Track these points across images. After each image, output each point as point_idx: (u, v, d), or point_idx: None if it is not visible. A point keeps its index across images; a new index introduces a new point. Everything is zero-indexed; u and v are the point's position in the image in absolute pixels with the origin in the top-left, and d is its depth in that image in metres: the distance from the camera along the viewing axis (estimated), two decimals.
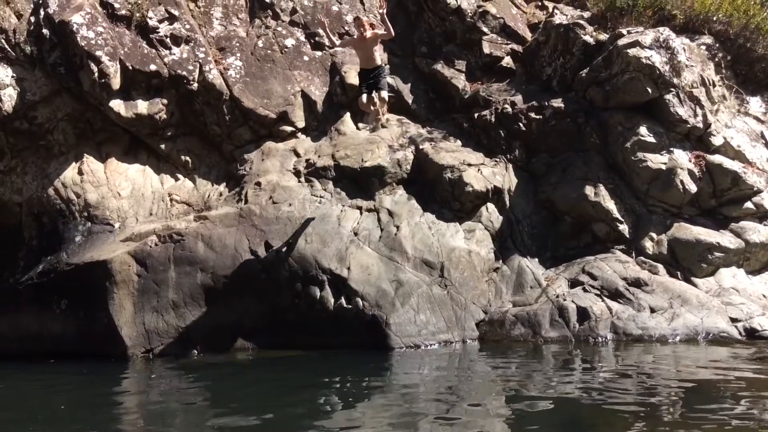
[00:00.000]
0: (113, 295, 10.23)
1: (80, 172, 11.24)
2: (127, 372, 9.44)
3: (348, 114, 12.10)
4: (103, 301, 10.20)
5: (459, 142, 11.68)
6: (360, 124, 12.13)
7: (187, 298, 10.30)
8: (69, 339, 10.46)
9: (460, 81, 12.13)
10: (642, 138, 10.66)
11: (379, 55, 10.13)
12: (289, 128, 11.91)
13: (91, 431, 6.32)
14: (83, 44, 10.79)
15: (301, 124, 12.00)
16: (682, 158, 10.64)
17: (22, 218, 11.40)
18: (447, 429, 5.76)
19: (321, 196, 11.12)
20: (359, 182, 11.28)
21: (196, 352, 10.16)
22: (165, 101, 11.35)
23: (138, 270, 10.33)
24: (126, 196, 11.30)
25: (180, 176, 11.74)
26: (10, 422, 6.92)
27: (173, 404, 7.42)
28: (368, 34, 9.79)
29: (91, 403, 7.74)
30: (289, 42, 12.34)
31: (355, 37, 10.24)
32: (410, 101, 12.27)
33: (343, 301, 9.93)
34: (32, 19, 11.31)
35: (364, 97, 9.99)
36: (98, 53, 10.80)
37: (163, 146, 11.62)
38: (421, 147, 11.48)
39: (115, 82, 10.91)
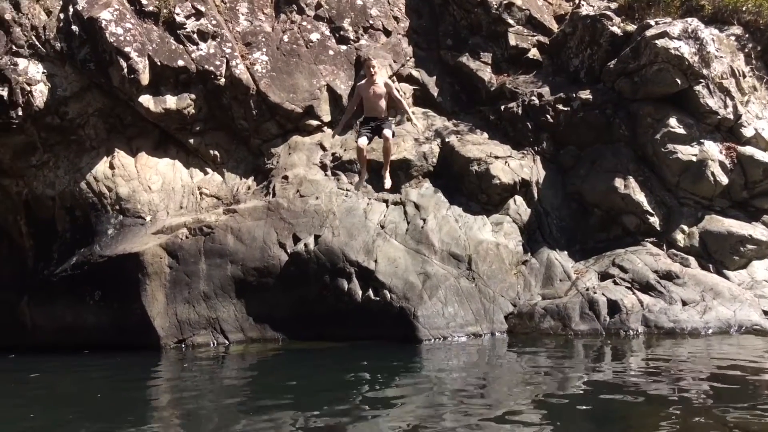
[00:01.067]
0: (146, 287, 10.39)
1: (111, 167, 11.39)
2: (160, 362, 9.58)
3: None
4: (136, 292, 10.37)
5: (486, 135, 11.65)
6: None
7: (217, 290, 10.43)
8: (103, 330, 10.64)
9: (486, 73, 12.09)
10: (672, 129, 10.57)
11: (385, 107, 8.93)
12: (315, 122, 11.96)
13: (127, 420, 6.41)
14: (112, 40, 10.91)
15: (326, 118, 12.04)
16: (713, 150, 10.54)
17: (55, 212, 11.58)
18: (477, 421, 5.77)
19: (347, 190, 11.17)
20: None
21: (227, 342, 10.29)
22: (193, 96, 11.45)
23: (169, 262, 10.48)
24: (156, 189, 11.44)
25: (209, 170, 11.85)
26: (48, 411, 7.05)
27: (206, 393, 7.52)
28: (378, 79, 8.81)
29: (126, 392, 7.86)
30: (314, 36, 12.38)
31: (364, 81, 9.15)
32: (436, 94, 12.25)
33: (370, 293, 9.98)
34: (61, 15, 11.45)
35: (364, 139, 8.82)
36: (127, 49, 10.92)
37: (191, 141, 11.73)
38: (447, 140, 11.48)
39: (144, 78, 11.01)
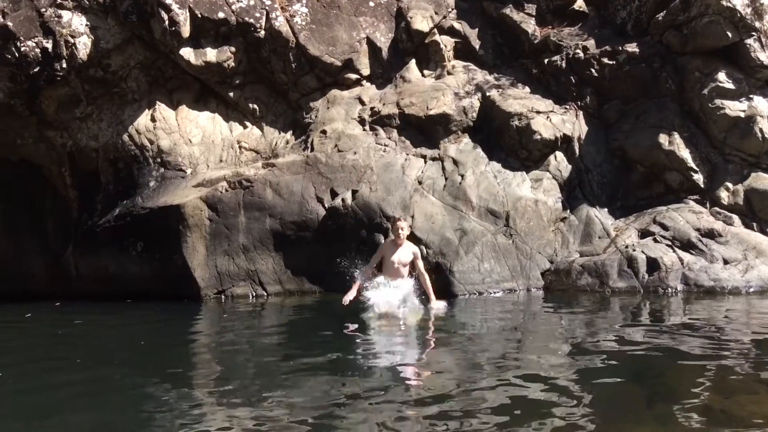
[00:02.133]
0: (186, 239, 10.59)
1: (153, 119, 11.53)
2: (200, 312, 9.82)
3: (413, 61, 11.99)
4: (177, 243, 10.58)
5: (527, 89, 11.44)
6: (426, 72, 12.02)
7: (256, 243, 10.58)
8: (145, 280, 10.91)
9: (530, 25, 11.80)
10: (720, 84, 10.26)
11: (406, 276, 8.36)
12: (354, 76, 11.88)
13: (170, 366, 6.61)
14: None
15: (366, 71, 11.95)
16: (763, 106, 10.21)
17: (98, 164, 11.79)
18: (509, 373, 5.79)
19: (385, 145, 11.14)
20: (424, 130, 11.22)
21: (265, 294, 10.48)
22: (233, 49, 11.44)
23: (210, 215, 10.64)
24: (197, 142, 11.57)
25: (248, 124, 11.93)
26: (93, 356, 7.31)
27: (244, 343, 7.69)
28: (405, 244, 8.29)
29: (168, 340, 8.10)
30: None
31: (389, 241, 8.62)
32: (477, 47, 12.01)
33: None
34: None
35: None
36: (168, 1, 10.90)
37: (231, 94, 11.78)
38: (487, 94, 11.31)
39: (185, 30, 11.04)
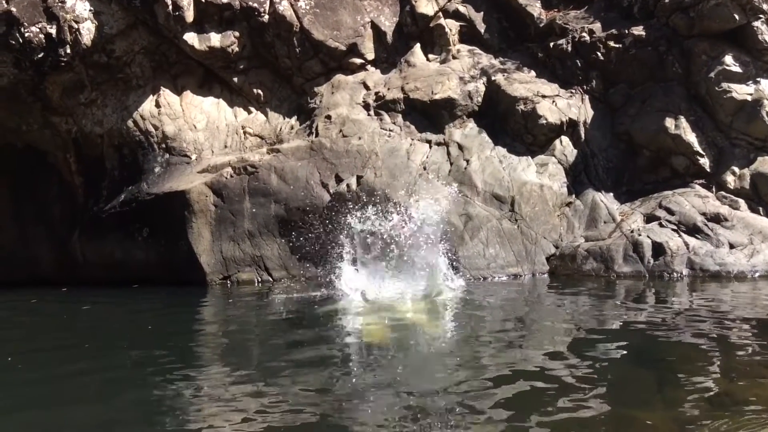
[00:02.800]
0: (192, 224, 10.63)
1: (157, 105, 11.53)
2: (206, 298, 9.87)
3: (418, 45, 11.93)
4: (183, 229, 10.63)
5: (533, 73, 11.37)
6: (431, 56, 11.97)
7: (261, 228, 10.61)
8: (151, 266, 10.97)
9: (536, 8, 11.70)
10: (727, 68, 10.18)
11: None
12: (358, 60, 11.83)
13: (177, 350, 6.65)
14: None
15: (370, 56, 11.89)
16: None
17: (103, 149, 11.80)
18: (516, 358, 5.82)
19: (390, 130, 11.11)
20: (429, 115, 11.18)
21: (271, 279, 10.51)
22: (237, 34, 11.41)
23: (215, 200, 10.68)
24: (201, 128, 11.57)
25: (253, 109, 11.91)
26: (101, 341, 7.36)
27: (250, 329, 7.74)
28: None
29: (175, 326, 8.14)
30: None
31: None
32: (482, 30, 11.92)
33: None
34: None
35: None
36: None
37: (235, 79, 11.75)
38: (493, 78, 11.25)
39: (189, 15, 11.01)
